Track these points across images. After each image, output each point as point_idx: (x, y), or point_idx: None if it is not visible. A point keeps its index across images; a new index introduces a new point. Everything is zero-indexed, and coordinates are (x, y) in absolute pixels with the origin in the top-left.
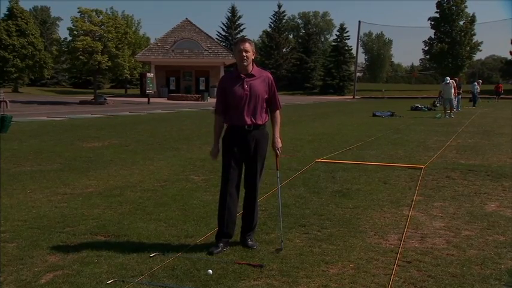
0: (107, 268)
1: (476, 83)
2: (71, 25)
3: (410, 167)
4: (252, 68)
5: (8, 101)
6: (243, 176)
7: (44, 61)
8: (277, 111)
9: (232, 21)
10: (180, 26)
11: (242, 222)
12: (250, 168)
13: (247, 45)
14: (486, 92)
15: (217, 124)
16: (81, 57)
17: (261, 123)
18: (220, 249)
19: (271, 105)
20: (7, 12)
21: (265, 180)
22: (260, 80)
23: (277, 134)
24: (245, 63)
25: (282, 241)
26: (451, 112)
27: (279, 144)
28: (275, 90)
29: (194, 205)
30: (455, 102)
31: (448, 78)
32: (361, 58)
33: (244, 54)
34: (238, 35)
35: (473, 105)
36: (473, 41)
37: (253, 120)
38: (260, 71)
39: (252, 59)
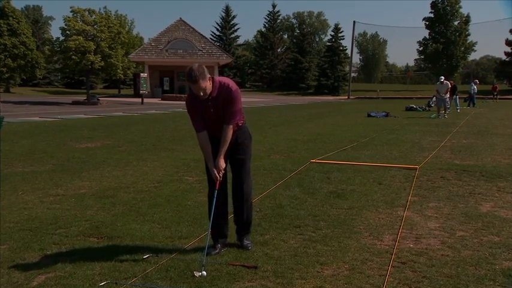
0: (100, 270)
1: (473, 83)
2: (63, 25)
3: (405, 167)
4: (211, 89)
5: None
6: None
7: (36, 61)
8: (226, 126)
9: (227, 21)
10: (174, 26)
11: (235, 224)
12: (234, 168)
13: (200, 85)
14: (482, 93)
15: (203, 142)
16: (73, 57)
17: (239, 124)
18: (218, 250)
19: (224, 116)
20: None
21: (259, 181)
22: (220, 98)
23: (221, 154)
24: (205, 96)
25: (203, 265)
26: (445, 112)
27: (223, 165)
28: (230, 102)
29: (188, 206)
30: (448, 103)
31: (443, 77)
32: (356, 58)
33: (202, 93)
34: (233, 35)
35: (469, 106)
36: (468, 41)
37: None
38: (219, 87)
39: (209, 84)
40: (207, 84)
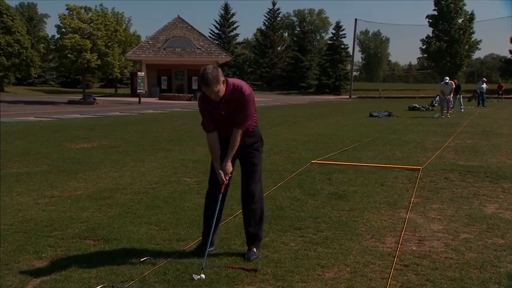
0: (96, 273)
1: (481, 82)
2: (58, 22)
3: (408, 168)
4: (224, 92)
5: None
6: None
7: (31, 59)
8: (235, 129)
9: (226, 19)
10: (172, 24)
11: (244, 229)
12: (244, 171)
13: (212, 89)
14: (488, 92)
15: (212, 142)
16: (69, 55)
17: (250, 130)
18: (212, 248)
19: (235, 119)
20: None
21: None
22: (233, 101)
23: (228, 158)
24: (218, 99)
25: (202, 268)
26: (447, 112)
27: (230, 169)
28: (244, 106)
29: (186, 208)
30: (451, 103)
31: (447, 78)
32: (358, 57)
33: (214, 96)
34: (232, 33)
35: (479, 105)
36: (472, 40)
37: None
38: (232, 90)
39: (222, 87)
40: (220, 88)
